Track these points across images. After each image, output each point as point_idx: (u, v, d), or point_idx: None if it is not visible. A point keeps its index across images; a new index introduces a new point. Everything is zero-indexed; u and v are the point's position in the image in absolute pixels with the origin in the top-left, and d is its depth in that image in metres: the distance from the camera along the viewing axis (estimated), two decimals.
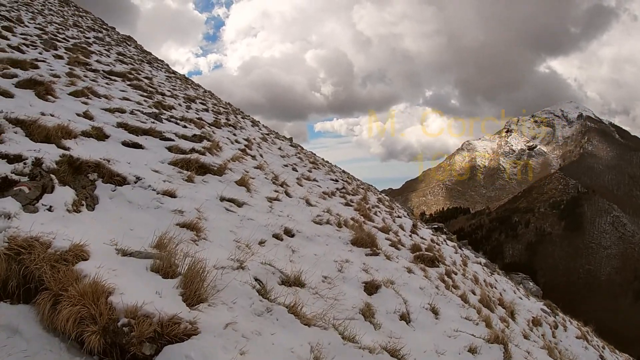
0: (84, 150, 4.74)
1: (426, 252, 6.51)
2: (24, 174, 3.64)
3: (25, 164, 3.77)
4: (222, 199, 4.76)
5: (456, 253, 10.58)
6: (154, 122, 7.38)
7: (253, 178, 6.34)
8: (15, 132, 4.39)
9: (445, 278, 5.92)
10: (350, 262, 4.55)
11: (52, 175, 3.89)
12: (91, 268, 2.52)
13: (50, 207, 3.39)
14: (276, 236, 4.39)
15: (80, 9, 32.34)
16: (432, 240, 10.09)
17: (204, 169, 5.51)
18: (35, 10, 20.46)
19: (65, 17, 24.08)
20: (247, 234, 4.00)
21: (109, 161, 4.67)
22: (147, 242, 3.23)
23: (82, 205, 3.79)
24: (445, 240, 12.11)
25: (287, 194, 6.59)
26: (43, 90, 6.46)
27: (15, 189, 3.37)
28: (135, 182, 4.46)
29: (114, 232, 3.32)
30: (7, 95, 5.69)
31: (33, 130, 4.60)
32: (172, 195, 4.31)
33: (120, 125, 6.40)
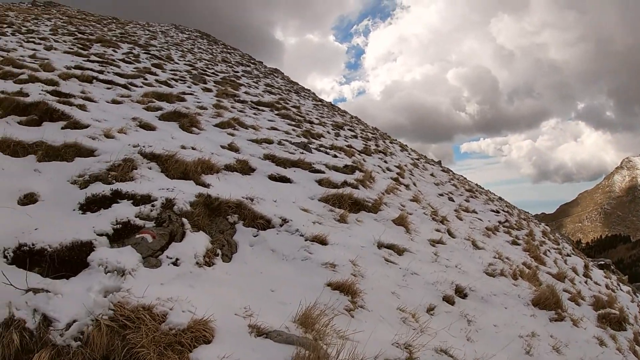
0: (225, 186, 7.02)
1: (611, 311, 9.48)
2: (151, 218, 5.41)
3: (153, 205, 5.59)
4: (380, 246, 7.11)
5: (632, 302, 15.02)
6: (302, 153, 11.11)
7: (410, 214, 9.57)
8: (150, 168, 6.89)
9: (636, 347, 8.51)
10: (536, 336, 6.59)
11: (184, 219, 5.52)
12: (212, 358, 3.35)
13: (177, 260, 4.79)
14: (447, 299, 6.36)
15: (229, 47, 53.49)
16: (607, 286, 14.91)
17: (357, 206, 8.51)
18: (185, 49, 35.42)
19: (214, 54, 40.55)
20: (413, 298, 5.71)
21: (252, 200, 6.76)
22: (291, 311, 4.24)
23: (217, 255, 5.30)
24: (618, 284, 17.87)
25: (450, 234, 10.08)
26: (187, 122, 10.29)
27: (136, 237, 4.99)
28: (281, 225, 6.46)
29: (251, 293, 4.56)
30: (149, 127, 9.40)
31: (169, 165, 7.04)
32: (322, 241, 6.32)
33: (267, 157, 9.61)
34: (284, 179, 8.74)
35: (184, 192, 6.16)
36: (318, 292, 4.72)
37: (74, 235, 4.70)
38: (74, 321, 3.46)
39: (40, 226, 4.92)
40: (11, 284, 3.73)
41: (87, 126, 8.39)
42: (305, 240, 6.14)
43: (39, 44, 18.73)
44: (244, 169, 8.51)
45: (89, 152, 7.26)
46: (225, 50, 48.27)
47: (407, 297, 5.66)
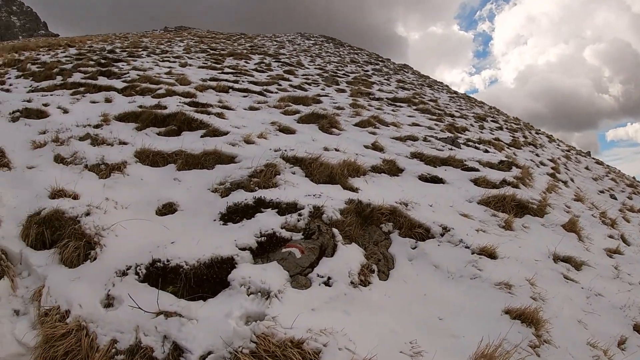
0: (374, 190, 6.34)
1: None
2: (298, 229, 4.78)
3: (300, 215, 4.94)
4: (556, 259, 5.99)
5: None
6: (451, 149, 10.08)
7: (578, 217, 8.29)
8: (293, 173, 6.41)
9: None
10: None
11: (334, 229, 4.79)
12: None
13: (329, 279, 4.11)
14: (638, 328, 5.25)
15: (355, 47, 54.34)
16: None
17: (521, 209, 7.40)
18: (313, 54, 36.22)
19: (342, 56, 41.01)
20: (601, 327, 4.71)
21: (406, 205, 5.94)
22: (465, 347, 3.59)
23: (373, 272, 4.55)
24: None
25: (624, 241, 8.53)
26: (326, 123, 9.80)
27: (283, 251, 4.41)
28: (442, 235, 5.56)
29: (415, 322, 3.86)
30: (289, 131, 9.07)
31: (314, 169, 6.48)
32: (491, 254, 5.41)
33: (414, 155, 8.83)
34: (436, 180, 7.84)
35: (332, 198, 5.53)
36: (494, 321, 4.03)
37: (213, 250, 4.32)
38: (209, 353, 3.14)
39: (177, 239, 4.66)
40: (139, 307, 3.47)
41: (226, 133, 8.26)
42: (472, 254, 5.22)
43: (174, 62, 19.92)
44: (392, 169, 7.75)
45: (230, 159, 7.01)
46: (352, 51, 49.02)
47: (595, 326, 4.58)
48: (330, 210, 5.14)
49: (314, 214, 5.06)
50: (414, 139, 10.54)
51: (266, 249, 4.51)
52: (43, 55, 19.30)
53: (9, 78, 13.82)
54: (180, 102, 10.29)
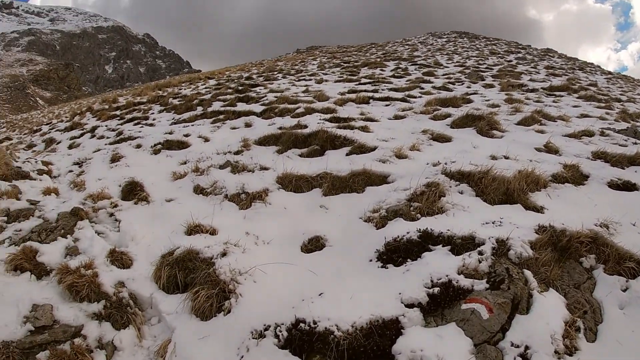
0: (561, 207, 5.05)
1: None
2: (480, 274, 3.64)
3: (481, 253, 3.78)
4: None
5: None
6: (635, 142, 8.32)
7: None
8: (461, 192, 5.25)
9: None
10: None
11: (526, 272, 3.59)
12: None
13: (526, 349, 3.01)
14: None
15: (491, 38, 50.91)
16: None
17: None
18: (449, 52, 34.32)
19: (479, 49, 38.45)
20: None
21: (607, 227, 4.43)
22: None
23: (579, 331, 3.28)
24: None
25: None
26: (485, 125, 8.45)
27: (464, 308, 3.30)
28: None
29: None
30: (444, 139, 7.87)
31: (485, 185, 5.25)
32: None
33: (596, 155, 7.16)
34: (629, 186, 6.00)
35: (517, 226, 4.24)
36: None
37: (372, 308, 3.43)
38: None
39: (326, 289, 3.85)
40: None
41: (373, 148, 7.31)
42: None
43: (309, 79, 19.70)
44: (575, 176, 6.12)
45: (381, 179, 6.03)
46: (488, 42, 46.05)
47: None
48: (519, 244, 3.88)
49: (498, 251, 3.84)
50: (589, 134, 8.74)
51: (440, 303, 3.45)
52: (184, 89, 20.27)
53: (152, 113, 14.49)
54: (320, 119, 9.65)
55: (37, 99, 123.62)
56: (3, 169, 7.63)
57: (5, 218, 5.84)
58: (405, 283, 3.64)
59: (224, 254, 4.41)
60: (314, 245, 4.78)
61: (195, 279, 4.18)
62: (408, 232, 4.33)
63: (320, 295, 3.72)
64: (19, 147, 14.47)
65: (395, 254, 4.18)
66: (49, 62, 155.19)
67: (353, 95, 12.91)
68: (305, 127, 8.90)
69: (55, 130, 16.41)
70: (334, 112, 10.45)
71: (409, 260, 4.04)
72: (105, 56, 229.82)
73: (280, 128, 9.11)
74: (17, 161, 8.53)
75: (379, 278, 3.90)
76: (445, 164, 6.03)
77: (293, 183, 6.25)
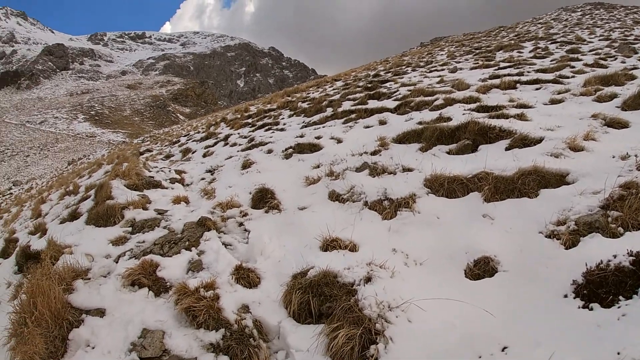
0: None
1: None
2: None
3: None
4: None
5: None
6: None
7: None
8: None
9: None
10: None
11: None
12: None
13: None
14: None
15: (629, 7, 45.72)
16: None
17: None
18: (589, 25, 30.67)
19: (620, 19, 34.40)
20: None
21: None
22: None
23: None
24: None
25: None
26: None
27: None
28: None
29: None
30: (619, 124, 6.25)
31: None
32: None
33: None
34: None
35: None
36: None
37: None
38: None
39: (508, 340, 2.80)
40: None
41: (539, 140, 5.81)
42: None
43: (442, 69, 18.12)
44: None
45: (558, 179, 4.59)
46: (628, 12, 41.58)
47: None
48: None
49: None
50: None
51: None
52: (312, 93, 19.88)
53: (282, 118, 14.14)
54: (465, 110, 8.32)
55: (178, 114, 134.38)
56: (134, 179, 7.60)
57: (130, 229, 5.63)
58: (627, 338, 2.43)
59: (367, 280, 3.53)
60: (481, 269, 3.64)
61: (333, 309, 3.36)
62: (615, 256, 2.98)
63: (503, 350, 2.67)
64: (158, 157, 14.93)
65: (602, 288, 2.87)
66: (185, 82, 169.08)
67: (496, 81, 11.28)
68: (449, 119, 7.65)
69: (192, 141, 16.82)
70: (478, 101, 9.05)
71: (620, 298, 2.75)
72: (235, 72, 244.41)
73: (420, 123, 7.93)
74: (150, 171, 8.48)
75: (585, 326, 2.66)
76: (637, 155, 4.54)
77: (445, 186, 5.06)
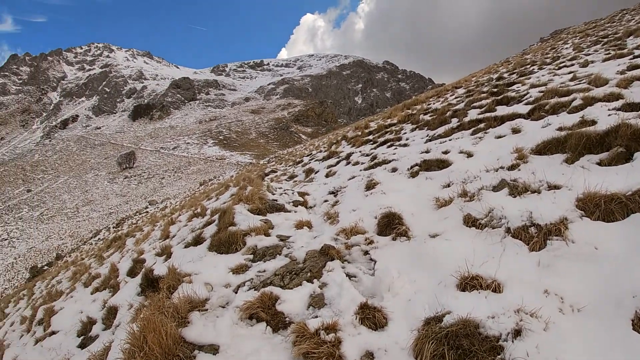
0: None
1: None
2: None
3: None
4: None
5: None
6: None
7: None
8: None
9: None
10: None
11: None
12: None
13: None
14: None
15: None
16: None
17: None
18: None
19: None
20: None
21: None
22: None
23: None
24: None
25: None
26: None
27: None
28: None
29: None
30: None
31: None
32: None
33: None
34: None
35: None
36: None
37: None
38: None
39: None
40: None
41: None
42: None
43: (571, 65, 16.34)
44: None
45: None
46: None
47: None
48: None
49: None
50: None
51: None
52: (433, 103, 19.14)
53: (404, 133, 13.59)
54: (610, 110, 7.15)
55: (300, 134, 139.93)
56: (257, 203, 7.64)
57: (251, 256, 5.60)
58: None
59: (516, 333, 2.99)
60: None
61: None
62: None
63: None
64: (282, 178, 15.22)
65: None
66: (305, 103, 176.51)
67: (637, 72, 9.86)
68: (594, 122, 6.63)
69: (314, 160, 16.97)
70: (621, 98, 7.82)
71: None
72: (352, 89, 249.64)
73: (560, 129, 6.96)
74: (273, 193, 8.52)
75: None
76: None
77: (602, 207, 4.22)
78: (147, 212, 52.10)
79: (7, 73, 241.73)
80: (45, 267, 50.36)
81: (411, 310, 3.79)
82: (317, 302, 4.13)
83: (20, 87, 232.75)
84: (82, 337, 6.98)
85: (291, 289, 4.42)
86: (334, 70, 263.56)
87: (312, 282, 4.53)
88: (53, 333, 8.22)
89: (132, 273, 8.46)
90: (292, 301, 4.15)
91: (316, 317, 3.88)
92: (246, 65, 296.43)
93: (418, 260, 4.63)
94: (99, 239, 48.66)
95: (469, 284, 3.75)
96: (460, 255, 4.17)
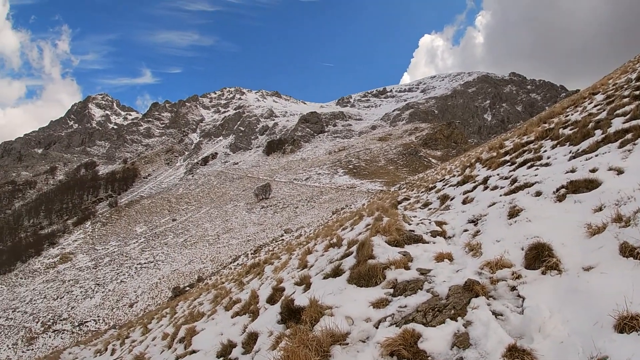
0: None
1: None
2: None
3: None
4: None
5: None
6: None
7: None
8: None
9: None
10: None
11: None
12: None
13: None
14: None
15: None
16: None
17: None
18: None
19: None
20: None
21: None
22: None
23: None
24: None
25: None
26: None
27: None
28: None
29: None
30: None
31: None
32: None
33: None
34: None
35: None
36: None
37: None
38: None
39: None
40: None
41: None
42: None
43: None
44: None
45: None
46: None
47: None
48: None
49: None
50: None
51: None
52: (570, 114, 17.69)
53: (545, 150, 12.62)
54: None
55: (430, 158, 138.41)
56: (394, 235, 7.61)
57: (392, 290, 5.59)
58: None
59: None
60: None
61: None
62: None
63: None
64: (416, 206, 15.02)
65: None
66: (432, 126, 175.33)
67: None
68: None
69: (448, 186, 16.56)
70: None
71: None
72: (480, 106, 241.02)
73: None
74: (409, 223, 8.44)
75: None
76: None
77: None
78: (282, 239, 54.46)
79: (150, 119, 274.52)
80: (187, 288, 54.43)
81: (564, 354, 3.56)
82: (461, 342, 4.03)
83: (163, 130, 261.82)
84: (221, 359, 7.40)
85: (434, 326, 4.36)
86: (459, 89, 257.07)
87: (456, 320, 4.41)
88: (193, 352, 8.83)
89: (271, 300, 8.82)
90: (435, 339, 4.09)
91: (461, 358, 3.81)
92: (370, 95, 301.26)
93: (571, 297, 4.32)
94: (237, 264, 51.71)
95: (628, 324, 3.43)
96: (617, 291, 3.85)
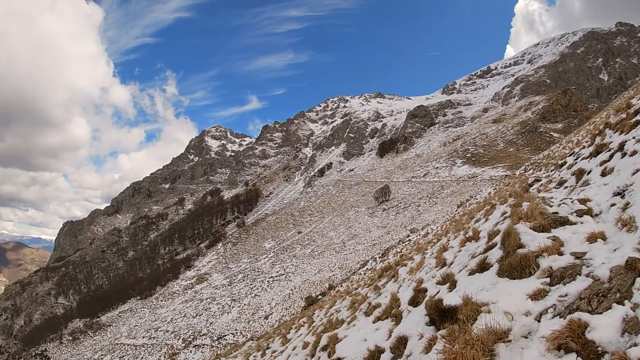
0: None
1: None
2: None
3: None
4: None
5: None
6: None
7: None
8: None
9: None
10: None
11: None
12: None
13: None
14: None
15: None
16: None
17: None
18: None
19: None
20: None
21: None
22: None
23: None
24: None
25: None
26: None
27: None
28: None
29: None
30: None
31: None
32: None
33: None
34: None
35: None
36: None
37: None
38: None
39: None
40: None
41: None
42: None
43: None
44: None
45: None
46: None
47: None
48: None
49: None
50: None
51: None
52: None
53: None
54: None
55: (551, 133, 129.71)
56: (539, 219, 7.08)
57: (548, 279, 5.23)
58: None
59: None
60: None
61: None
62: None
63: None
64: (550, 187, 14.00)
65: None
66: (547, 97, 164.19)
67: None
68: None
69: (581, 159, 15.28)
70: None
71: None
72: (593, 66, 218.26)
73: None
74: (551, 206, 7.78)
75: None
76: None
77: None
78: (409, 239, 53.72)
79: (263, 141, 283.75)
80: (319, 297, 55.39)
81: None
82: (632, 327, 3.69)
83: (277, 150, 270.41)
84: None
85: (600, 313, 4.03)
86: (567, 52, 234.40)
87: (623, 304, 4.04)
88: (338, 359, 8.87)
89: (413, 302, 8.68)
90: (603, 327, 3.78)
91: (635, 344, 3.49)
92: (474, 76, 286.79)
93: None
94: (367, 268, 51.79)
95: None
96: None
